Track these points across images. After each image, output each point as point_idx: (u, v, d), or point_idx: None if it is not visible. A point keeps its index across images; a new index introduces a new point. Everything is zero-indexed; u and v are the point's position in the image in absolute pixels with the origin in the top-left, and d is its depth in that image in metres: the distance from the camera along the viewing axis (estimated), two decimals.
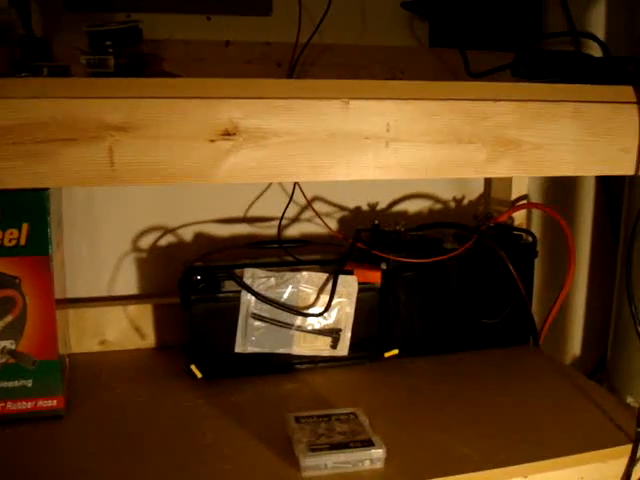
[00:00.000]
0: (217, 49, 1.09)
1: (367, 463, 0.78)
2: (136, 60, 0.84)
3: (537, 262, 1.17)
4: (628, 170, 0.77)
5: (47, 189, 0.83)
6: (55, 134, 0.59)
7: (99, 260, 1.15)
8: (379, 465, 0.78)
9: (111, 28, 0.84)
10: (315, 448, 0.78)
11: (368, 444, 0.79)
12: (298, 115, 0.64)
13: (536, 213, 1.33)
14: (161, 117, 0.61)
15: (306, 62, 1.10)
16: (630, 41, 1.23)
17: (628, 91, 0.75)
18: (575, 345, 1.44)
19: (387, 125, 0.66)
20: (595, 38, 1.05)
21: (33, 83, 0.59)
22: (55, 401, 0.89)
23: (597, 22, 1.32)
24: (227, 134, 0.62)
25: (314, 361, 1.05)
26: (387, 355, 1.06)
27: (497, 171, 0.71)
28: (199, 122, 0.61)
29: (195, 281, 0.98)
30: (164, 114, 0.61)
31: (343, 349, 1.04)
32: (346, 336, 1.03)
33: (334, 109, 0.65)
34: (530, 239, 1.15)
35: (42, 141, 0.59)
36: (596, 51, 1.07)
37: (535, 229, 1.31)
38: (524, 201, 1.23)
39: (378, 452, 0.78)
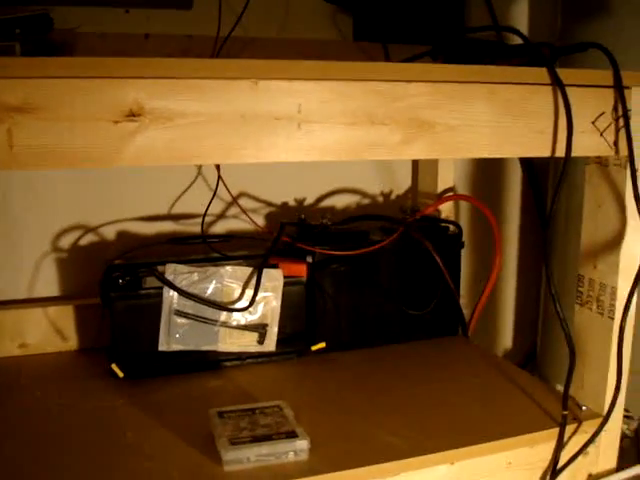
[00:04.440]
0: (136, 42, 1.07)
1: (291, 455, 0.76)
2: (45, 48, 0.81)
3: (466, 254, 1.18)
4: (544, 152, 0.77)
5: None
6: None
7: (18, 261, 1.11)
8: (303, 456, 0.77)
9: (19, 15, 0.81)
10: (236, 442, 0.76)
11: (292, 436, 0.77)
12: (206, 95, 0.62)
13: (464, 205, 1.34)
14: (62, 98, 0.58)
15: (228, 55, 1.09)
16: (552, 36, 1.24)
17: (542, 73, 0.75)
18: (506, 336, 1.46)
19: (298, 106, 0.65)
20: (517, 32, 1.05)
21: None
22: None
23: (520, 17, 1.34)
24: (132, 115, 0.60)
25: (241, 357, 1.03)
26: (314, 348, 1.05)
27: (412, 153, 0.71)
28: (102, 103, 0.59)
29: (115, 278, 0.95)
30: (65, 95, 0.58)
31: (270, 344, 1.02)
32: (273, 331, 1.02)
33: (243, 89, 0.63)
34: (456, 230, 1.16)
35: None
36: None
37: (463, 221, 1.32)
38: (450, 193, 1.24)
39: (302, 443, 0.77)
